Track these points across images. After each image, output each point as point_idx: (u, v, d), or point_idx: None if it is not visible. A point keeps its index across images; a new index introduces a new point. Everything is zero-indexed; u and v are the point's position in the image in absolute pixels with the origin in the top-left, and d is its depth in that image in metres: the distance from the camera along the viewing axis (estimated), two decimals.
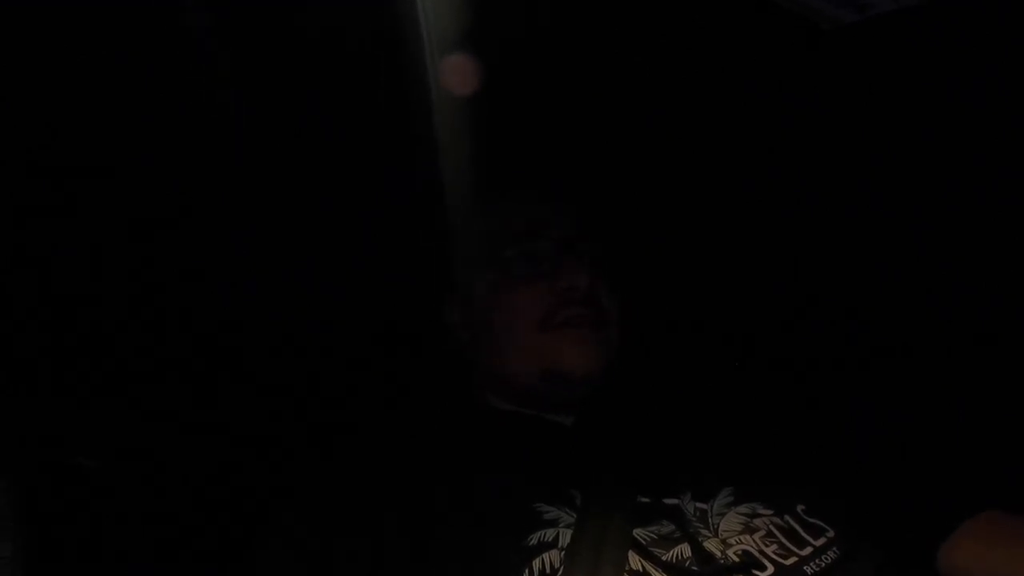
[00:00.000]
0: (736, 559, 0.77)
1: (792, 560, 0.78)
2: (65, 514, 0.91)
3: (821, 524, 0.83)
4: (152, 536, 0.96)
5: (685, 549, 0.78)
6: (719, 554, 0.78)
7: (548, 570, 0.75)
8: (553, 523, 0.80)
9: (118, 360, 1.01)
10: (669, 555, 0.78)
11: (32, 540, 0.84)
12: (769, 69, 0.94)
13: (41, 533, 0.86)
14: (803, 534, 0.81)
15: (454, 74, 0.84)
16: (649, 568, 0.76)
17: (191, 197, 1.00)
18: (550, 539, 0.78)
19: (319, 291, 1.09)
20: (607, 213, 1.03)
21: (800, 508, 0.84)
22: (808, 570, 0.77)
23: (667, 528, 0.80)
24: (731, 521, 0.82)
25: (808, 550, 0.80)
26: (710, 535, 0.80)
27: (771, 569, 0.77)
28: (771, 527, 0.81)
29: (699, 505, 0.83)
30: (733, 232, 1.16)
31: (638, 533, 0.79)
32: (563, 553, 0.77)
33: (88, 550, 0.92)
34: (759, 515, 0.83)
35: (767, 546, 0.79)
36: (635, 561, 0.76)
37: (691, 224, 1.16)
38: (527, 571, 0.75)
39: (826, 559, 0.79)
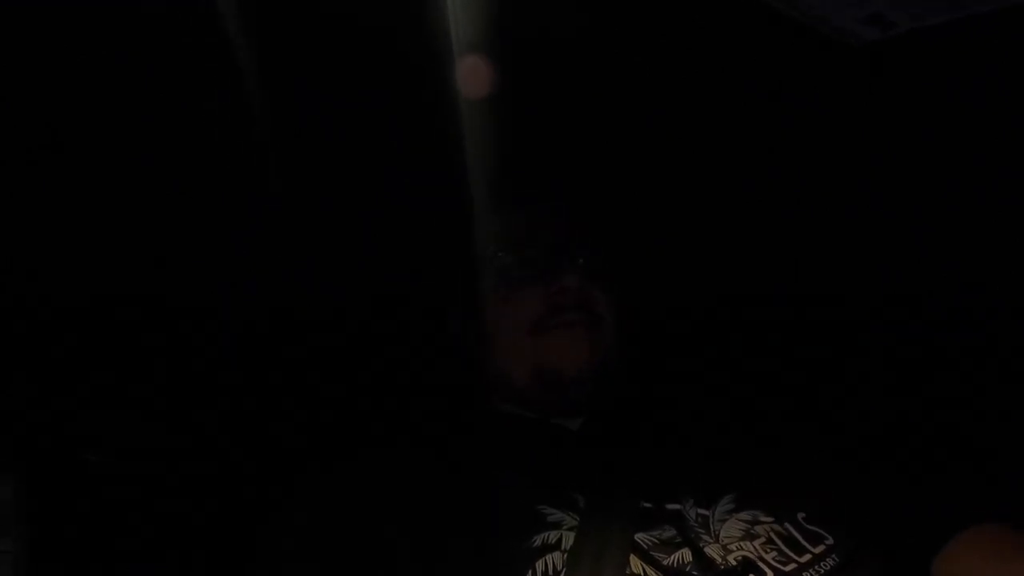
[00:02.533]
0: (736, 565, 0.79)
1: (791, 567, 0.79)
2: (67, 510, 0.91)
3: (820, 532, 0.84)
4: (155, 533, 0.96)
5: (686, 554, 0.79)
6: (719, 560, 0.79)
7: (551, 572, 0.76)
8: (557, 525, 0.81)
9: (123, 357, 1.01)
10: (670, 560, 0.78)
11: (34, 536, 0.84)
12: (788, 85, 0.94)
13: (43, 529, 0.86)
14: (802, 541, 0.82)
15: (464, 78, 0.84)
16: (650, 572, 0.77)
17: (194, 196, 0.99)
18: (553, 541, 0.79)
19: (326, 294, 1.09)
20: (613, 218, 1.03)
21: (800, 516, 0.85)
22: None
23: (668, 533, 0.81)
24: (732, 527, 0.83)
25: (807, 557, 0.81)
26: (711, 541, 0.81)
27: (770, 575, 0.78)
28: (771, 534, 0.82)
29: (701, 511, 0.84)
30: (740, 240, 1.16)
31: (640, 537, 0.80)
32: (566, 555, 0.78)
33: (90, 546, 0.93)
34: (760, 522, 0.84)
35: (767, 553, 0.80)
36: (636, 565, 0.77)
37: (701, 232, 1.16)
38: (531, 572, 0.76)
39: (824, 566, 0.80)
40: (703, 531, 0.82)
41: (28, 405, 0.94)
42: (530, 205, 1.02)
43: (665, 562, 0.78)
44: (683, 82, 0.93)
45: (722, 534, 0.82)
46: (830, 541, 0.83)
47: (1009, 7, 0.69)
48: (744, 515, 0.84)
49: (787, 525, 0.84)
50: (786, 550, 0.81)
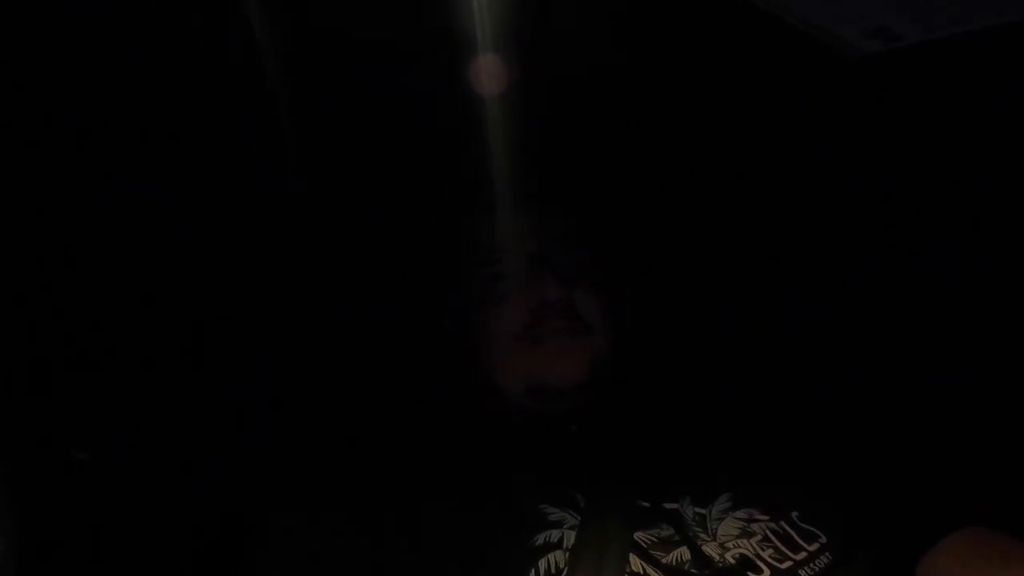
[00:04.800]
0: (733, 562, 0.80)
1: (787, 564, 0.81)
2: (59, 509, 0.92)
3: (814, 530, 0.86)
4: (147, 531, 0.97)
5: (684, 552, 0.81)
6: (717, 557, 0.80)
7: (554, 570, 0.78)
8: (558, 524, 0.82)
9: (114, 354, 1.00)
10: (669, 558, 0.80)
11: (25, 536, 0.84)
12: (788, 95, 0.94)
13: (34, 529, 0.86)
14: (797, 539, 0.84)
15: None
16: (649, 570, 0.78)
17: (190, 193, 0.98)
18: (555, 540, 0.80)
19: (323, 291, 1.09)
20: (609, 220, 1.03)
21: (794, 514, 0.87)
22: (803, 573, 0.80)
23: (667, 532, 0.83)
24: (729, 526, 0.84)
25: (802, 555, 0.82)
26: (708, 539, 0.83)
27: (767, 572, 0.79)
28: (767, 532, 0.84)
29: (698, 510, 0.86)
30: (734, 240, 1.17)
31: (639, 536, 0.81)
32: (568, 554, 0.79)
33: (82, 545, 0.93)
34: (756, 520, 0.85)
35: (763, 550, 0.82)
36: (636, 563, 0.79)
37: (692, 232, 1.17)
38: (534, 571, 0.78)
39: (819, 563, 0.82)
40: (700, 530, 0.84)
41: (16, 402, 0.94)
42: (502, 213, 1.00)
43: (664, 560, 0.80)
44: (683, 90, 0.93)
45: (719, 532, 0.84)
46: (824, 539, 0.85)
47: (1014, 22, 0.69)
48: (740, 513, 0.86)
49: (782, 523, 0.85)
50: (782, 548, 0.83)
